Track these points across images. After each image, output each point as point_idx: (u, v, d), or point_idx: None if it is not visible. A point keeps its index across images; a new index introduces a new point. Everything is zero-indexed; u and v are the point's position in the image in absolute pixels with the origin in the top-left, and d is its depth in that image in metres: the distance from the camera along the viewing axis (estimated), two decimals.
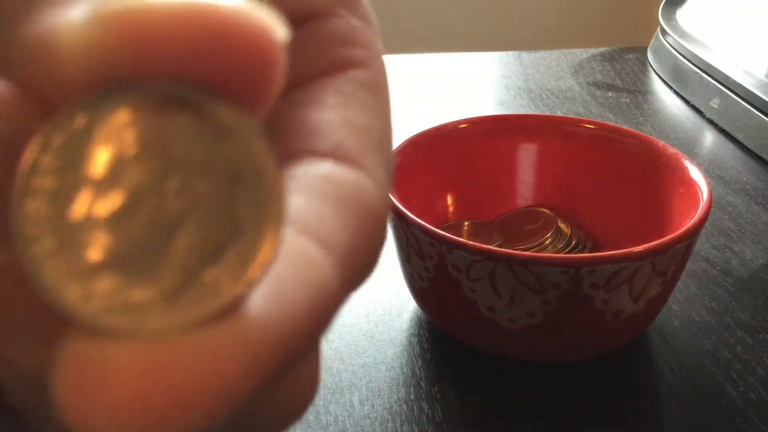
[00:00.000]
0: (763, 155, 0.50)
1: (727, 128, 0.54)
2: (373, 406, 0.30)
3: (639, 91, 0.62)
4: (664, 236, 0.29)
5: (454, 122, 0.39)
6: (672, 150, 0.35)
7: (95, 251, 0.10)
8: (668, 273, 0.29)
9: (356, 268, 0.12)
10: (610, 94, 0.61)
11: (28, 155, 0.09)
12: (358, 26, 0.15)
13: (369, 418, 0.29)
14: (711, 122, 0.56)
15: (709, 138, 0.54)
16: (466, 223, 0.38)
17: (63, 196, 0.09)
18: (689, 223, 0.29)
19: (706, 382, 0.31)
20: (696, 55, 0.59)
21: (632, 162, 0.37)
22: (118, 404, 0.09)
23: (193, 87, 0.10)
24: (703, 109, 0.57)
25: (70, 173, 0.09)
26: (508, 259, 0.28)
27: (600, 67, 0.67)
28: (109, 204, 0.10)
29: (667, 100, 0.60)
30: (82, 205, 0.10)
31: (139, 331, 0.09)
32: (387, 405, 0.30)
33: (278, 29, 0.10)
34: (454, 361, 0.32)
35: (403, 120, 0.52)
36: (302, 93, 0.14)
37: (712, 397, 0.30)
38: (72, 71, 0.09)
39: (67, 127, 0.09)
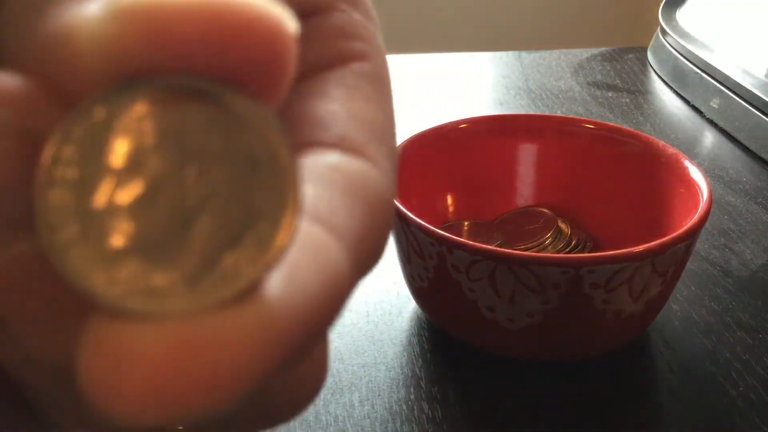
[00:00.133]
0: (763, 155, 0.50)
1: (727, 128, 0.54)
2: (373, 406, 0.30)
3: (639, 91, 0.62)
4: (664, 236, 0.29)
5: (454, 122, 0.39)
6: (672, 150, 0.35)
7: (118, 238, 0.10)
8: (668, 273, 0.29)
9: (366, 255, 0.12)
10: (610, 94, 0.61)
11: (50, 147, 0.10)
12: (360, 20, 0.15)
13: (369, 418, 0.29)
14: (711, 122, 0.56)
15: (709, 138, 0.54)
16: (466, 223, 0.38)
17: (85, 186, 0.10)
18: (689, 223, 0.29)
19: (706, 382, 0.31)
20: (696, 55, 0.59)
21: (632, 162, 0.37)
22: (143, 384, 0.09)
23: (208, 79, 0.10)
24: (703, 109, 0.57)
25: (91, 164, 0.10)
26: (508, 259, 0.28)
27: (600, 67, 0.67)
28: (130, 192, 0.10)
29: (667, 100, 0.60)
30: (103, 194, 0.10)
31: (162, 313, 0.10)
32: (387, 405, 0.30)
33: (289, 22, 0.10)
34: (454, 361, 0.32)
35: (403, 120, 0.52)
36: (306, 86, 0.14)
37: (712, 397, 0.30)
38: (90, 65, 0.10)
39: (87, 119, 0.10)
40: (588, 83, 0.63)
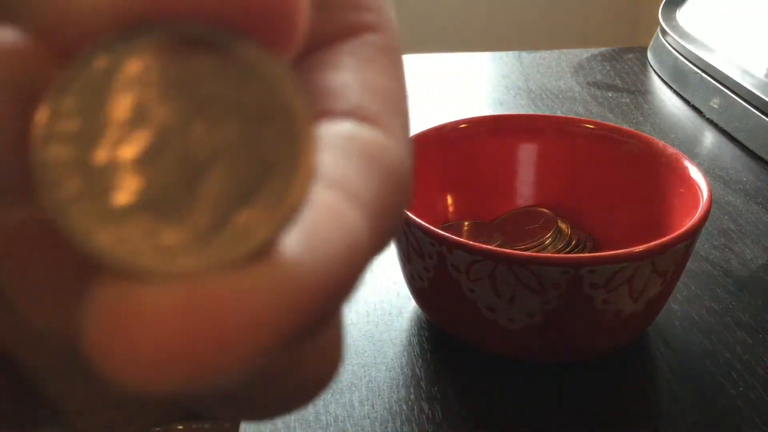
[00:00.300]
0: (763, 155, 0.50)
1: (727, 128, 0.54)
2: (373, 406, 0.30)
3: (639, 91, 0.62)
4: (664, 236, 0.29)
5: (454, 122, 0.39)
6: (672, 150, 0.35)
7: (124, 194, 0.09)
8: (668, 273, 0.29)
9: (384, 225, 0.12)
10: (610, 94, 0.61)
11: (47, 99, 0.09)
12: None
13: (369, 418, 0.29)
14: (711, 122, 0.56)
15: (709, 138, 0.54)
16: (466, 223, 0.38)
17: (86, 140, 0.09)
18: (689, 223, 0.29)
19: (706, 382, 0.31)
20: (696, 55, 0.59)
21: (632, 162, 0.37)
22: (154, 346, 0.09)
23: (216, 28, 0.09)
24: (703, 109, 0.57)
25: (93, 116, 0.09)
26: (508, 259, 0.28)
27: (600, 67, 0.67)
28: (134, 146, 0.09)
29: (667, 100, 0.60)
30: (106, 148, 0.09)
31: (172, 272, 0.09)
32: (387, 405, 0.30)
33: None
34: (454, 361, 0.32)
35: None
36: (317, 57, 0.14)
37: (712, 397, 0.30)
38: (91, 12, 0.09)
39: (87, 69, 0.09)
40: (588, 83, 0.63)
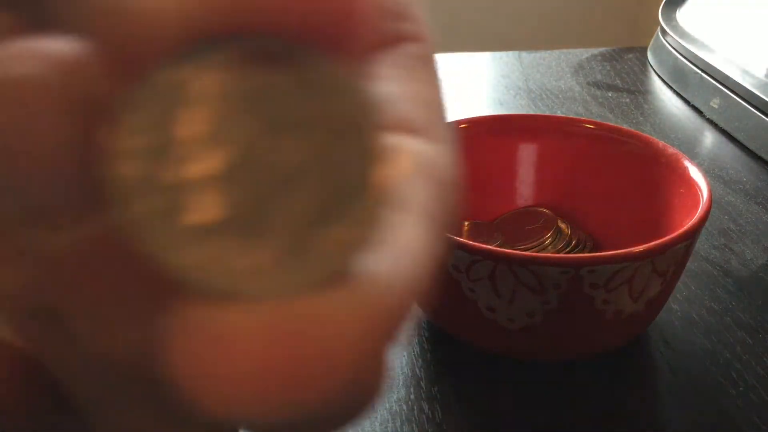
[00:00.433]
0: (763, 155, 0.50)
1: (727, 128, 0.54)
2: (372, 406, 0.30)
3: (639, 91, 0.62)
4: (664, 236, 0.29)
5: (454, 122, 0.39)
6: (672, 150, 0.35)
7: (202, 212, 0.09)
8: (668, 273, 0.29)
9: (441, 235, 0.12)
10: (610, 94, 0.61)
11: (121, 114, 0.09)
12: (407, 0, 0.15)
13: (369, 418, 0.29)
14: (711, 122, 0.56)
15: (709, 138, 0.54)
16: (466, 223, 0.38)
17: (160, 156, 0.09)
18: (689, 223, 0.29)
19: (706, 382, 0.31)
20: (696, 55, 0.59)
21: (632, 162, 0.37)
22: (241, 370, 0.09)
23: (284, 42, 0.09)
24: (703, 109, 0.57)
25: (166, 132, 0.09)
26: (508, 259, 0.28)
27: (600, 67, 0.67)
28: (211, 163, 0.09)
29: (667, 100, 0.60)
30: (182, 165, 0.09)
31: (254, 294, 0.09)
32: (387, 405, 0.30)
33: None
34: (454, 361, 0.32)
35: None
36: (360, 67, 0.14)
37: (712, 397, 0.30)
38: (160, 28, 0.09)
39: (158, 84, 0.09)
40: (588, 83, 0.63)
